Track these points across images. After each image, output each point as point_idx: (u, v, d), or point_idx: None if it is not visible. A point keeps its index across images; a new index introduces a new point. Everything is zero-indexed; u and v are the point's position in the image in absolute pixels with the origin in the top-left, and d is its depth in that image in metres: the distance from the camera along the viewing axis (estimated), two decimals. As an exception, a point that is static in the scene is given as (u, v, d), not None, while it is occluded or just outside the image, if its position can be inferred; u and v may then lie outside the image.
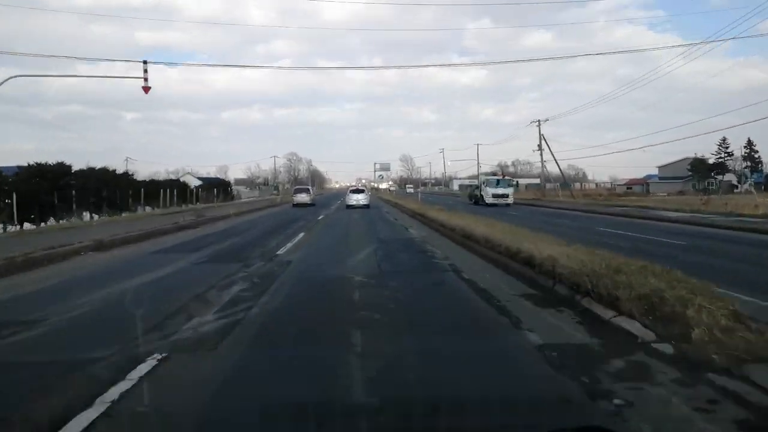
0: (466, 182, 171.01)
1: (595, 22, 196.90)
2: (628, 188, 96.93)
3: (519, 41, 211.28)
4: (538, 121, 54.49)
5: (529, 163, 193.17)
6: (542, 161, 54.60)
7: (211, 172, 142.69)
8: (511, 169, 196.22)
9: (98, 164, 36.25)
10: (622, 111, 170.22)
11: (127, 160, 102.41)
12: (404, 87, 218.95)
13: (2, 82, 20.99)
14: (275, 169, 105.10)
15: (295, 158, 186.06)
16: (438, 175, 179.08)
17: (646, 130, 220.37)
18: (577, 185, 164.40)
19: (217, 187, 59.94)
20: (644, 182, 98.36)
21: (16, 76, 25.09)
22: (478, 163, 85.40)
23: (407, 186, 78.86)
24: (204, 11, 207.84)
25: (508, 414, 3.86)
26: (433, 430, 3.64)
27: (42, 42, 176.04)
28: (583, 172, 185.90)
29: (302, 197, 42.73)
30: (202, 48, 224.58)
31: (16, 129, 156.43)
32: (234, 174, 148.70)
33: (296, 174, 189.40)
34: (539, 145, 54.02)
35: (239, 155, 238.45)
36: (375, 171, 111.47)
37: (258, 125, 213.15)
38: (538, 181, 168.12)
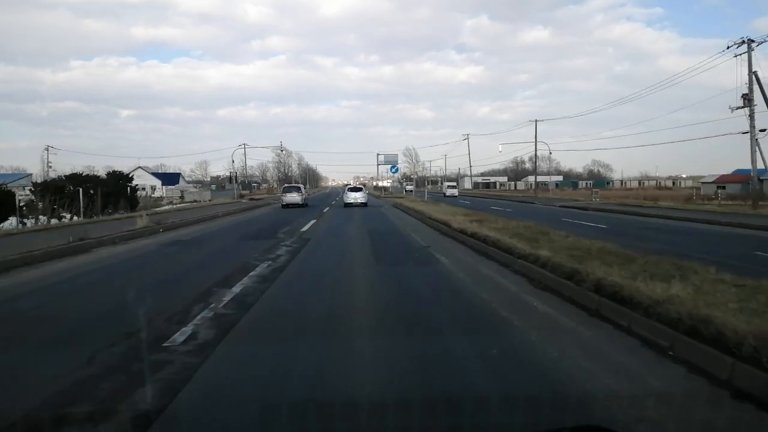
0: (480, 179, 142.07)
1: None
2: (720, 187, 66.23)
3: (517, 37, 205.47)
4: (747, 41, 23.98)
5: (547, 158, 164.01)
6: (753, 133, 24.01)
7: (193, 168, 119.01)
8: (527, 166, 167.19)
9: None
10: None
11: (47, 149, 71.95)
12: (401, 84, 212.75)
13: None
14: (244, 162, 74.59)
15: (284, 153, 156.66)
16: (441, 171, 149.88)
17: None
18: (617, 184, 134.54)
19: (99, 187, 28.84)
20: (746, 179, 67.40)
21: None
22: (536, 144, 54.78)
23: (447, 185, 46.21)
24: (199, 7, 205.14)
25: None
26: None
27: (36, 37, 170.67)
28: (606, 167, 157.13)
29: (292, 197, 35.17)
30: (197, 44, 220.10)
31: (11, 126, 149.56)
32: (216, 170, 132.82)
33: (286, 170, 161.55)
34: (746, 97, 23.46)
35: (233, 152, 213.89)
36: (378, 164, 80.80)
37: (253, 122, 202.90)
38: (559, 178, 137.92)
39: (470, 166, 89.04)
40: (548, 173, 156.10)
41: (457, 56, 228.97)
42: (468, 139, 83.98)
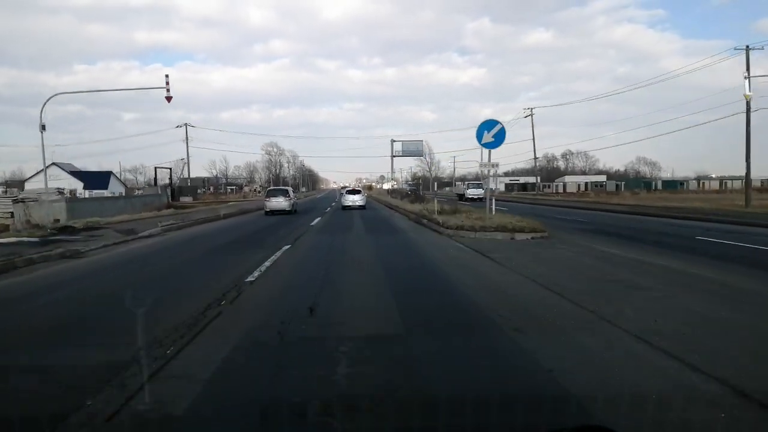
0: (507, 180, 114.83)
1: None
2: None
3: (519, 39, 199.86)
4: None
5: (584, 153, 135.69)
6: None
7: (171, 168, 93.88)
8: (561, 164, 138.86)
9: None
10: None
11: None
12: (403, 87, 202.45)
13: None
14: (187, 153, 46.03)
15: (276, 151, 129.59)
16: (456, 172, 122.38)
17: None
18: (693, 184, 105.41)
19: None
20: None
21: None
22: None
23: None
24: (203, 11, 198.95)
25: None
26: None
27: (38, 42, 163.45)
28: (653, 165, 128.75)
29: (277, 202, 27.83)
30: (200, 48, 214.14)
31: (15, 130, 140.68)
32: (197, 172, 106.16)
33: (277, 171, 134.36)
34: None
35: (234, 155, 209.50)
36: (393, 156, 52.12)
37: (256, 125, 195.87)
38: (600, 178, 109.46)
39: (534, 158, 60.13)
40: (584, 172, 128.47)
41: (460, 59, 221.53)
42: (531, 114, 54.71)
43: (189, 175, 50.79)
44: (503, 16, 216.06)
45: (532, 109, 50.42)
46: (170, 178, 44.40)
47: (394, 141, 50.00)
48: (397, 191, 50.62)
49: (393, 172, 55.59)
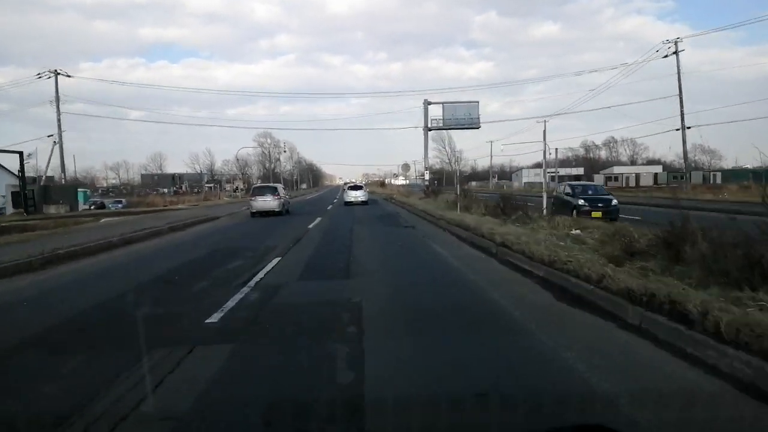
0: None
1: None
2: None
3: (527, 32, 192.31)
4: None
5: (629, 142, 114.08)
6: None
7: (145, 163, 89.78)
8: (603, 153, 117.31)
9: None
10: None
11: None
12: (409, 80, 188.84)
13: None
14: (58, 120, 25.77)
15: (270, 142, 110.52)
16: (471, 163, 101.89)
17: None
18: None
19: None
20: None
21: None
22: None
23: None
24: (208, 6, 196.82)
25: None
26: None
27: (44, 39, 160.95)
28: (712, 154, 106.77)
29: (264, 202, 24.19)
30: (205, 44, 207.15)
31: (22, 129, 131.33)
32: (176, 167, 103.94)
33: (272, 166, 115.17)
34: None
35: (231, 151, 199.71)
36: (427, 128, 31.24)
37: (262, 121, 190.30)
38: (655, 169, 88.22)
39: (683, 127, 38.38)
40: (633, 162, 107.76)
41: (466, 52, 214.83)
42: (677, 51, 33.17)
43: (63, 165, 29.08)
44: (510, 8, 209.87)
45: (677, 41, 28.90)
46: (20, 170, 23.28)
47: (430, 104, 28.99)
48: (470, 196, 20.63)
49: (425, 154, 34.40)
